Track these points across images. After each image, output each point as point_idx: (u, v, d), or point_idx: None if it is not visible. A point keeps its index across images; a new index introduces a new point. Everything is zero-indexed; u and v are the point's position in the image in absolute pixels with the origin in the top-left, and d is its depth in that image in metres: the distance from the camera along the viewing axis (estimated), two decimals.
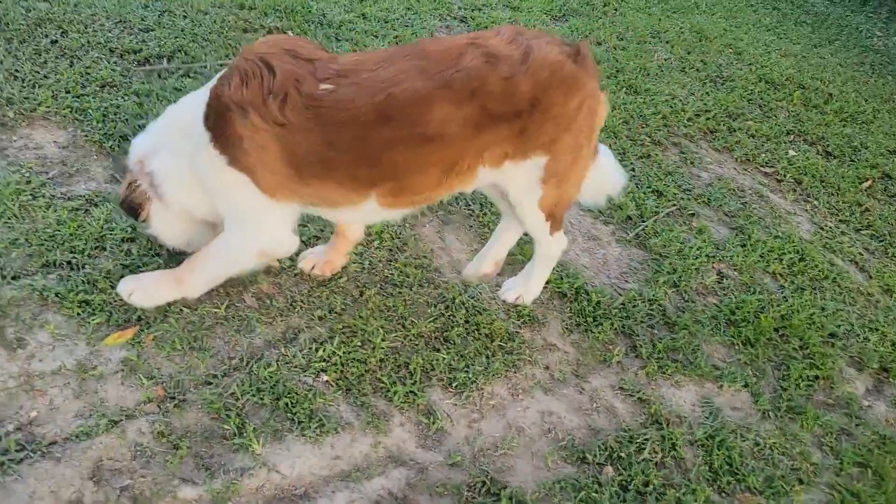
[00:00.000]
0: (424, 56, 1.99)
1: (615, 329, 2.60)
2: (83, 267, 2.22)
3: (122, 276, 2.19)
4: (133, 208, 2.18)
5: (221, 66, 3.30)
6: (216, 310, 2.23)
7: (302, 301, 2.35)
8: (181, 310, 2.19)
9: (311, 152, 1.97)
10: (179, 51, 3.32)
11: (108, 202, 2.47)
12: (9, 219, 2.31)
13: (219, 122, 1.97)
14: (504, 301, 2.57)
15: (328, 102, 1.93)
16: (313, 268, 2.44)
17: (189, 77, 3.18)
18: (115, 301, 2.14)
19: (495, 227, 2.61)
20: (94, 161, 2.67)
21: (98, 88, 2.95)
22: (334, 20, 3.93)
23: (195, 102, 2.05)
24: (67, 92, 2.88)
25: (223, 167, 1.99)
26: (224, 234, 2.14)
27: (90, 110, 2.83)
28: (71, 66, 3.02)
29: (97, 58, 3.11)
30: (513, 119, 2.03)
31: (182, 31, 3.47)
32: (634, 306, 2.70)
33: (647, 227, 3.13)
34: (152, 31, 3.41)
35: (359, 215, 2.23)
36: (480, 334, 2.42)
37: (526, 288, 2.56)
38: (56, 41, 3.14)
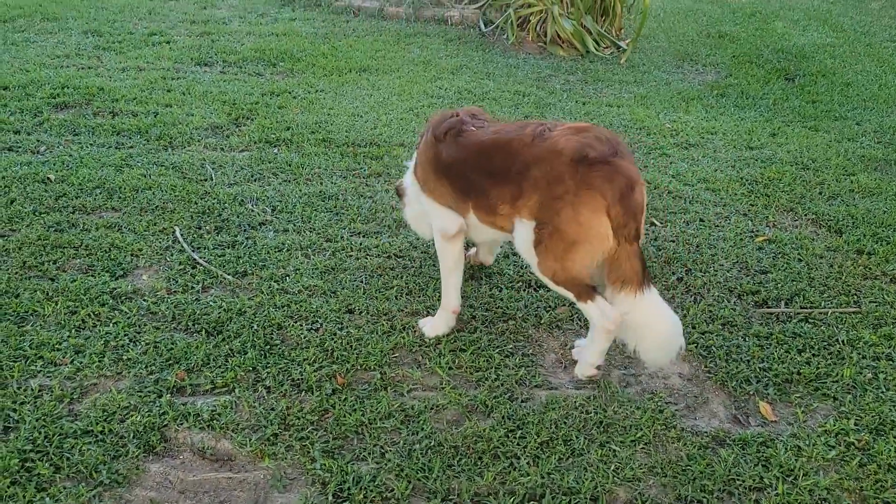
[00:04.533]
0: (519, 124, 2.73)
1: None
2: None
3: None
4: (399, 194, 3.22)
5: (842, 314, 3.19)
6: None
7: None
8: None
9: (449, 162, 2.78)
10: (797, 295, 3.32)
11: (734, 444, 2.49)
12: (646, 444, 2.48)
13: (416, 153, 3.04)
14: None
15: (467, 135, 2.74)
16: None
17: (808, 322, 3.13)
18: None
19: None
20: (715, 398, 2.74)
21: (720, 327, 3.10)
22: None
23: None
24: (693, 328, 3.09)
25: (414, 179, 3.02)
26: None
27: (713, 347, 2.97)
28: (696, 303, 3.26)
29: (718, 296, 3.31)
30: (518, 179, 2.59)
31: (798, 274, 3.49)
32: None
33: None
34: (769, 272, 3.50)
35: (474, 225, 2.88)
36: None
37: (584, 355, 2.81)
38: (682, 279, 3.45)
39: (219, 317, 2.97)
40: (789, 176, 4.55)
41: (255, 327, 2.93)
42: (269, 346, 2.83)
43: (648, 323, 2.55)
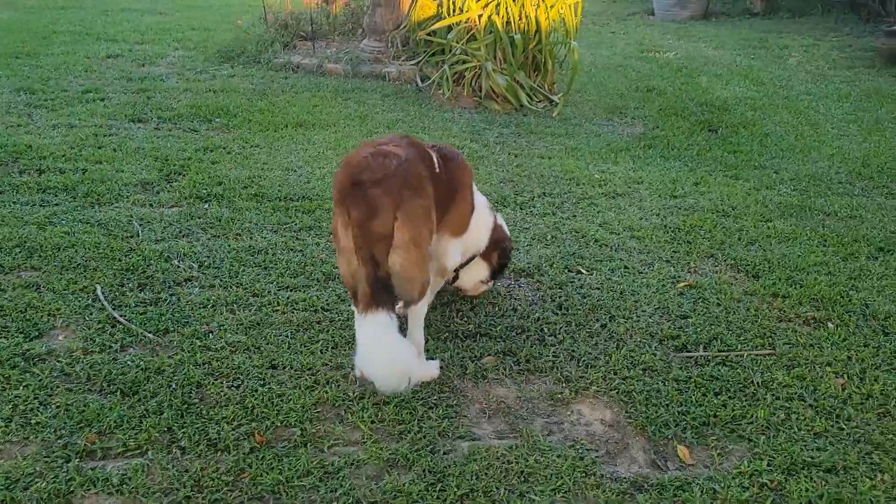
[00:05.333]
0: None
1: None
2: None
3: None
4: None
5: (758, 356, 3.28)
6: None
7: None
8: None
9: None
10: (715, 339, 3.41)
11: (651, 489, 2.52)
12: (565, 493, 2.49)
13: None
14: None
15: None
16: None
17: (726, 365, 3.21)
18: None
19: None
20: (636, 443, 2.78)
21: (641, 372, 3.16)
22: (879, 311, 3.66)
23: None
24: (615, 374, 3.14)
25: None
26: None
27: (634, 393, 3.02)
28: (618, 349, 3.31)
29: (640, 342, 3.38)
30: None
31: (717, 318, 3.59)
32: None
33: None
34: (689, 317, 3.59)
35: None
36: None
37: None
38: (605, 325, 3.51)
39: (136, 376, 2.91)
40: (710, 223, 4.71)
41: (174, 386, 2.87)
42: (186, 406, 2.77)
43: (366, 345, 2.64)
